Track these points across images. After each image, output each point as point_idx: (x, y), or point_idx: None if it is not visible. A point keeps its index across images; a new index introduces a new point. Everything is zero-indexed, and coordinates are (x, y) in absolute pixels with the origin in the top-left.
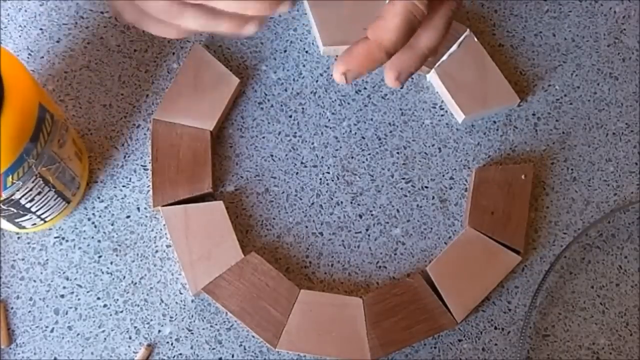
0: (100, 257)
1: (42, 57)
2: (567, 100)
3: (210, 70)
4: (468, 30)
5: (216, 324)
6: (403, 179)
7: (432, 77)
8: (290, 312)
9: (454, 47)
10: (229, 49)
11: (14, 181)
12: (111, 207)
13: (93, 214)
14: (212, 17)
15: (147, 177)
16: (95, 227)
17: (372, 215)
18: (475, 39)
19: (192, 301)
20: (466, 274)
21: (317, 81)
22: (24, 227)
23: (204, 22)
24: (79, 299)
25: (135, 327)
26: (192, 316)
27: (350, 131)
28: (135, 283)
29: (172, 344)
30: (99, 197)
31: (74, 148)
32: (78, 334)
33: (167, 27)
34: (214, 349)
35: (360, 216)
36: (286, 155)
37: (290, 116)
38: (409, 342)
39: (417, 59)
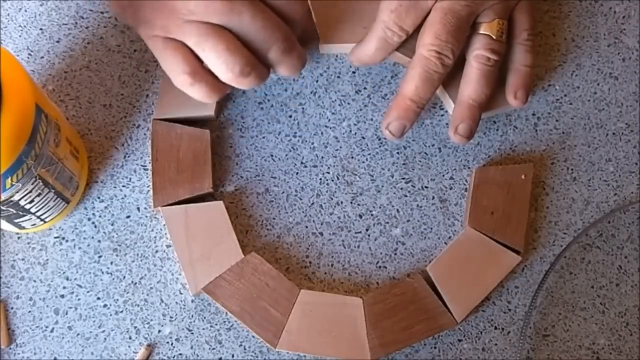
0: (100, 257)
1: (42, 57)
2: (567, 100)
3: None
4: None
5: (216, 324)
6: (403, 179)
7: None
8: (290, 312)
9: None
10: None
11: (13, 183)
12: (111, 207)
13: (93, 214)
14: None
15: (147, 177)
16: (95, 227)
17: (372, 215)
18: None
19: (192, 301)
20: (466, 274)
21: (317, 81)
22: (23, 228)
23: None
24: (79, 299)
25: (135, 327)
26: (192, 316)
27: (350, 131)
28: (135, 283)
29: (172, 344)
30: (99, 197)
31: (69, 147)
32: (78, 334)
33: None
34: (214, 349)
35: (360, 216)
36: (286, 155)
37: (290, 116)
38: (409, 342)
39: (466, 110)
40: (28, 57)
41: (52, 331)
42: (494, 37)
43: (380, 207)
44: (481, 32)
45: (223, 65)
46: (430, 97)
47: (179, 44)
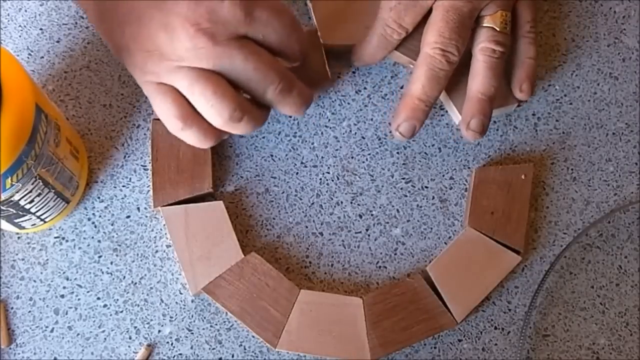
0: (100, 257)
1: (42, 57)
2: (567, 100)
3: None
4: None
5: (216, 324)
6: (403, 179)
7: None
8: (290, 312)
9: None
10: None
11: (13, 183)
12: (111, 207)
13: (93, 214)
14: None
15: (147, 177)
16: (95, 227)
17: (372, 215)
18: None
19: (192, 301)
20: (466, 274)
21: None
22: (23, 228)
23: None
24: (79, 299)
25: (135, 327)
26: (192, 316)
27: (350, 131)
28: (135, 283)
29: (172, 344)
30: (99, 197)
31: (69, 147)
32: (78, 334)
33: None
34: (214, 349)
35: (360, 216)
36: (286, 155)
37: (290, 116)
38: (409, 342)
39: (476, 104)
40: (28, 57)
41: (52, 331)
42: (498, 29)
43: (380, 207)
44: (485, 24)
45: (212, 109)
46: (438, 96)
47: (170, 89)
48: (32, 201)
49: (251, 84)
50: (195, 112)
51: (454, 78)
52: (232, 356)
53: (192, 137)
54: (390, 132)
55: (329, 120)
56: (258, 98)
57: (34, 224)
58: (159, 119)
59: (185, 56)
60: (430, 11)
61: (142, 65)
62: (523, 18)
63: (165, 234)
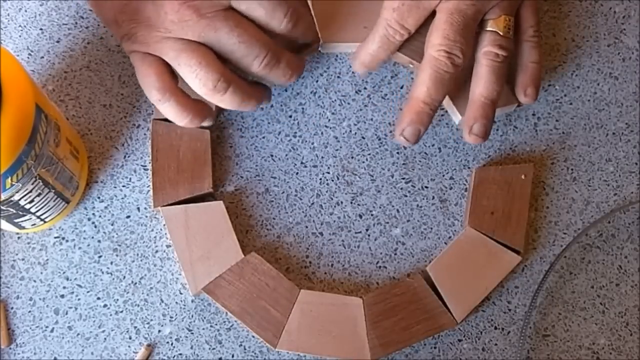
0: (100, 257)
1: (42, 57)
2: (567, 100)
3: None
4: None
5: (216, 324)
6: (403, 179)
7: None
8: (290, 312)
9: None
10: None
11: (13, 183)
12: (111, 207)
13: (93, 214)
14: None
15: (147, 177)
16: (95, 227)
17: (372, 215)
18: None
19: (192, 301)
20: (466, 274)
21: (317, 81)
22: (23, 228)
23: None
24: (79, 299)
25: (135, 327)
26: (192, 316)
27: (350, 131)
28: (135, 283)
29: (172, 344)
30: (99, 197)
31: (69, 147)
32: (78, 334)
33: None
34: (214, 349)
35: (360, 216)
36: (286, 155)
37: (290, 116)
38: (409, 342)
39: (479, 108)
40: (28, 57)
41: (52, 331)
42: (501, 34)
43: (380, 207)
44: (488, 28)
45: (196, 79)
46: (442, 99)
47: (156, 59)
48: (32, 201)
49: (236, 55)
50: (175, 86)
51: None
52: (232, 356)
53: (170, 111)
54: (392, 132)
55: (329, 120)
56: (246, 71)
57: (34, 224)
58: (159, 119)
59: (172, 28)
60: (433, 13)
61: (130, 35)
62: (526, 22)
63: (165, 234)
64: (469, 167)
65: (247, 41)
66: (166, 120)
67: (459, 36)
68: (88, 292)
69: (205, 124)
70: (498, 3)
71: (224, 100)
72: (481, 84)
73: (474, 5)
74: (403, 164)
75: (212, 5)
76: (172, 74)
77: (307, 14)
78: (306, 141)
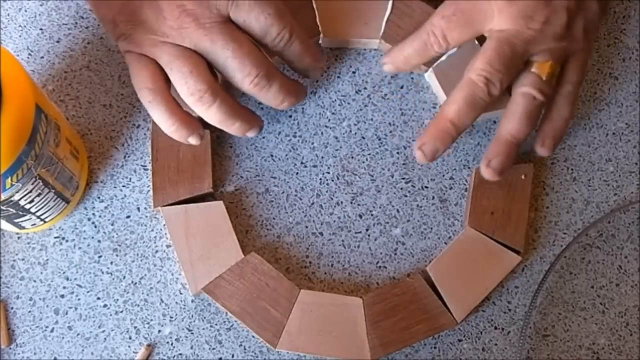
0: (100, 257)
1: (42, 57)
2: None
3: None
4: None
5: (216, 324)
6: (403, 179)
7: (430, 77)
8: (290, 312)
9: (454, 49)
10: None
11: (13, 183)
12: (111, 207)
13: (93, 214)
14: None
15: (147, 177)
16: (95, 227)
17: (372, 215)
18: (476, 42)
19: (192, 301)
20: (466, 274)
21: (317, 81)
22: (23, 228)
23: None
24: (79, 299)
25: (135, 327)
26: (192, 316)
27: (350, 131)
28: (135, 283)
29: (172, 344)
30: (99, 197)
31: (69, 147)
32: (78, 334)
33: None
34: (214, 349)
35: (360, 216)
36: (286, 155)
37: (290, 116)
38: (409, 342)
39: (503, 146)
40: (28, 57)
41: (52, 331)
42: (544, 78)
43: (380, 207)
44: (533, 70)
45: (185, 87)
46: (470, 125)
47: (151, 62)
48: (32, 201)
49: (228, 70)
50: (167, 91)
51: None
52: (232, 356)
53: (158, 114)
54: (392, 132)
55: (329, 120)
56: (237, 87)
57: (34, 224)
58: None
59: (169, 33)
60: (480, 38)
61: (127, 35)
62: (570, 76)
63: (165, 234)
64: (469, 167)
65: (240, 57)
66: None
67: (503, 67)
68: (88, 292)
69: (192, 140)
70: (550, 48)
71: (209, 113)
72: (513, 123)
73: (525, 43)
74: (403, 164)
75: (211, 16)
76: (165, 79)
77: (307, 38)
78: (306, 141)
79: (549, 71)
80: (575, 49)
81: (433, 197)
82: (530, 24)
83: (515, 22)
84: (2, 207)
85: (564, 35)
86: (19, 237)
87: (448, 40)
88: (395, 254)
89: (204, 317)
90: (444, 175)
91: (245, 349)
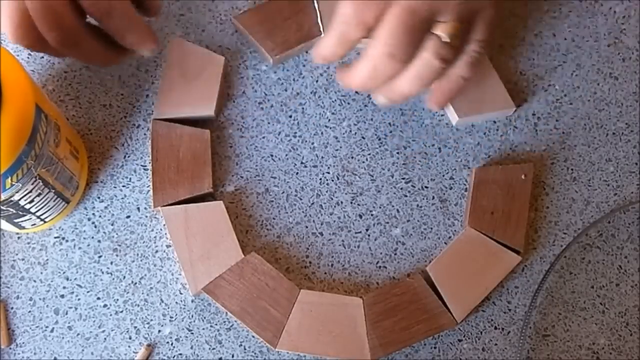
0: (100, 257)
1: (42, 57)
2: (567, 100)
3: (193, 57)
4: None
5: (216, 324)
6: (403, 179)
7: None
8: (290, 312)
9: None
10: (229, 49)
11: (13, 183)
12: (111, 207)
13: (93, 214)
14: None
15: (147, 177)
16: (95, 227)
17: (372, 215)
18: None
19: (192, 301)
20: (466, 274)
21: (317, 81)
22: (23, 228)
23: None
24: (79, 299)
25: (135, 327)
26: (192, 316)
27: (350, 131)
28: (135, 283)
29: (172, 344)
30: (99, 197)
31: (69, 147)
32: (78, 334)
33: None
34: (214, 349)
35: (360, 216)
36: (286, 155)
37: (290, 116)
38: (409, 342)
39: (388, 93)
40: (28, 57)
41: (52, 331)
42: (446, 40)
43: (380, 207)
44: (435, 32)
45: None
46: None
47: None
48: (32, 201)
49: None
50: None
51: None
52: (232, 356)
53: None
54: (392, 132)
55: (329, 120)
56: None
57: (34, 224)
58: (159, 119)
59: None
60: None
61: None
62: (476, 34)
63: (165, 234)
64: (469, 167)
65: (42, 16)
66: (166, 120)
67: (407, 37)
68: (88, 292)
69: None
70: (453, 8)
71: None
72: (404, 80)
73: (429, 5)
74: (403, 164)
75: None
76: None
77: (132, 18)
78: (306, 141)
79: (451, 32)
80: (481, 6)
81: (433, 197)
82: None
83: None
84: (2, 207)
85: None
86: (19, 237)
87: (366, 23)
88: (395, 254)
89: (204, 317)
90: (444, 175)
91: (245, 349)
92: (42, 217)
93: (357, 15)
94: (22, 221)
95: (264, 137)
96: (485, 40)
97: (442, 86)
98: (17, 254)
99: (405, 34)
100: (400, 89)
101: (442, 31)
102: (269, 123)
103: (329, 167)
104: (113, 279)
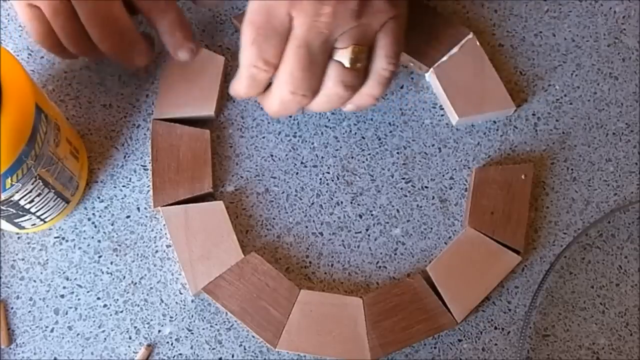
0: (100, 257)
1: (42, 57)
2: (567, 100)
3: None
4: (471, 33)
5: (216, 324)
6: (403, 179)
7: (430, 77)
8: (290, 312)
9: (455, 49)
10: (229, 49)
11: (13, 183)
12: (111, 207)
13: (93, 214)
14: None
15: (147, 177)
16: (95, 227)
17: (372, 215)
18: (477, 43)
19: (192, 301)
20: (466, 274)
21: None
22: (23, 228)
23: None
24: (79, 299)
25: (135, 327)
26: (192, 316)
27: (350, 131)
28: (135, 283)
29: (172, 344)
30: (99, 197)
31: (69, 147)
32: (78, 334)
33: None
34: (214, 349)
35: (360, 216)
36: (286, 155)
37: (290, 116)
38: (409, 342)
39: (285, 104)
40: (28, 57)
41: (52, 331)
42: (347, 66)
43: (380, 207)
44: (335, 58)
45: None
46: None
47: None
48: (32, 201)
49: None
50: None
51: (453, 76)
52: (232, 356)
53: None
54: (392, 132)
55: (329, 120)
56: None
57: (34, 224)
58: (159, 119)
59: None
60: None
61: None
62: (382, 49)
63: (165, 234)
64: (469, 167)
65: (53, 28)
66: (166, 120)
67: (305, 73)
68: (88, 292)
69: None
70: (348, 31)
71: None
72: (315, 102)
73: (320, 34)
74: (403, 164)
75: None
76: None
77: (182, 15)
78: (306, 141)
79: (351, 57)
80: (380, 22)
81: (433, 197)
82: (322, 10)
83: (307, 14)
84: (2, 207)
85: (362, 12)
86: (19, 237)
87: (271, 62)
88: (395, 254)
89: (204, 317)
90: (444, 175)
91: (245, 349)
92: (42, 217)
93: (260, 56)
94: (22, 221)
95: (264, 137)
96: (394, 54)
97: (354, 100)
98: (17, 254)
99: (303, 71)
100: (316, 110)
101: (342, 57)
102: (269, 123)
103: (329, 167)
104: (113, 279)
